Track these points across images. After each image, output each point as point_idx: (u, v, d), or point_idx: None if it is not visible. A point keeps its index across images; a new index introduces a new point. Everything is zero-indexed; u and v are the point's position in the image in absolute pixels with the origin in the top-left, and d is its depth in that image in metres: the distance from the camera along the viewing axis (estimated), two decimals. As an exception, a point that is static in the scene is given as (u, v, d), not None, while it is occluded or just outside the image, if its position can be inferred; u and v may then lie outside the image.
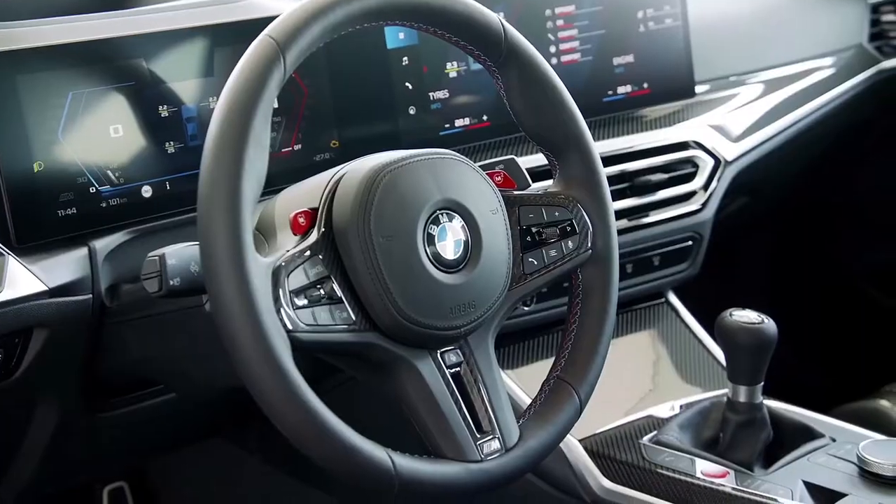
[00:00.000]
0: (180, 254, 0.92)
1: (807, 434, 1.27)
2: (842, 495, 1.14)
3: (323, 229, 0.94)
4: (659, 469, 1.22)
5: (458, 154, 1.00)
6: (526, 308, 1.35)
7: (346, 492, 1.44)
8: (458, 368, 1.00)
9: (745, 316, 1.22)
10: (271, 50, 0.89)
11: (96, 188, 1.09)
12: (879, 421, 1.47)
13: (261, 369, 0.85)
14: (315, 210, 0.95)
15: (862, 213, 2.11)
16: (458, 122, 1.35)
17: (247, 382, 0.86)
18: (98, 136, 1.09)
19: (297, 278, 0.90)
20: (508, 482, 1.00)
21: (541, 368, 1.09)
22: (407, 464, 0.91)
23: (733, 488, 1.17)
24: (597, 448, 1.27)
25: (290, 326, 0.88)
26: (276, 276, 0.88)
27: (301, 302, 0.90)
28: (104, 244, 1.09)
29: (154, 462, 1.62)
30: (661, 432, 1.28)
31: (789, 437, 1.26)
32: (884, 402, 1.52)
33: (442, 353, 0.99)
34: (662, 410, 1.35)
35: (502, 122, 1.33)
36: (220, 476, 1.51)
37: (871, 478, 1.16)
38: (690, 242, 1.52)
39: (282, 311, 0.88)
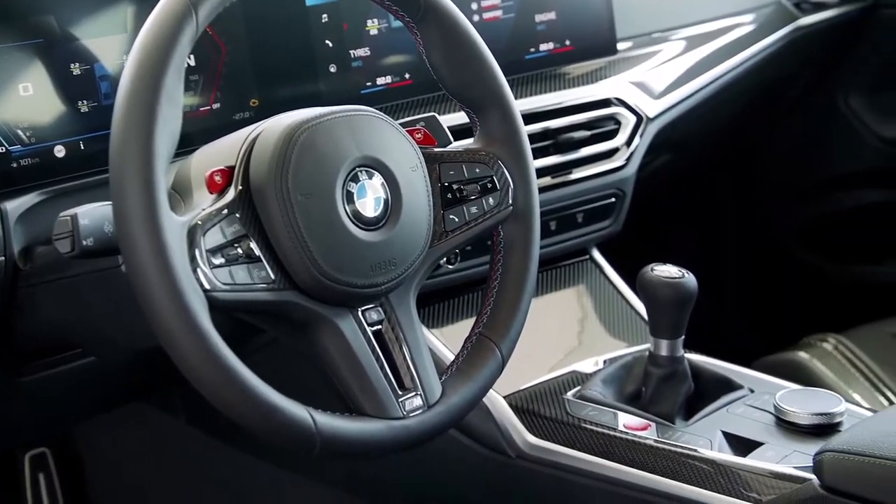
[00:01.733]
0: (93, 213, 0.91)
1: (726, 386, 1.29)
2: (759, 444, 1.16)
3: (240, 187, 0.93)
4: (582, 423, 1.24)
5: (376, 111, 1.00)
6: (450, 267, 1.35)
7: (273, 452, 1.44)
8: (379, 326, 1.00)
9: (665, 271, 1.23)
10: (182, 5, 0.88)
11: (6, 148, 1.06)
12: (798, 372, 1.50)
13: (178, 329, 0.84)
14: (232, 168, 0.94)
15: (783, 168, 2.15)
16: (380, 81, 1.34)
17: (164, 343, 0.85)
18: (7, 95, 1.06)
19: (214, 237, 0.89)
20: (430, 438, 1.00)
21: (464, 327, 1.09)
22: (328, 422, 0.91)
23: (655, 440, 1.19)
24: (521, 404, 1.28)
25: (206, 286, 0.87)
26: (192, 234, 0.87)
27: (218, 261, 0.89)
28: (16, 205, 1.06)
29: (77, 427, 1.60)
30: (585, 387, 1.29)
31: (710, 390, 1.28)
32: (802, 354, 1.56)
33: (363, 311, 0.99)
34: (586, 366, 1.36)
35: (424, 80, 1.32)
36: (145, 440, 1.50)
37: (787, 426, 1.18)
38: (613, 199, 1.53)
39: (198, 270, 0.87)
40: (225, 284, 0.88)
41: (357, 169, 0.96)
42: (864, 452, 1.01)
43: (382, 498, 1.39)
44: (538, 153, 1.39)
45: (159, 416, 1.47)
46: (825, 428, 1.15)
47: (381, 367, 0.98)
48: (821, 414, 1.16)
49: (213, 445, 1.45)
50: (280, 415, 0.88)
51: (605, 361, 1.36)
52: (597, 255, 1.55)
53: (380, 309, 1.00)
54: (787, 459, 1.12)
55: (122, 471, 1.52)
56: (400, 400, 0.98)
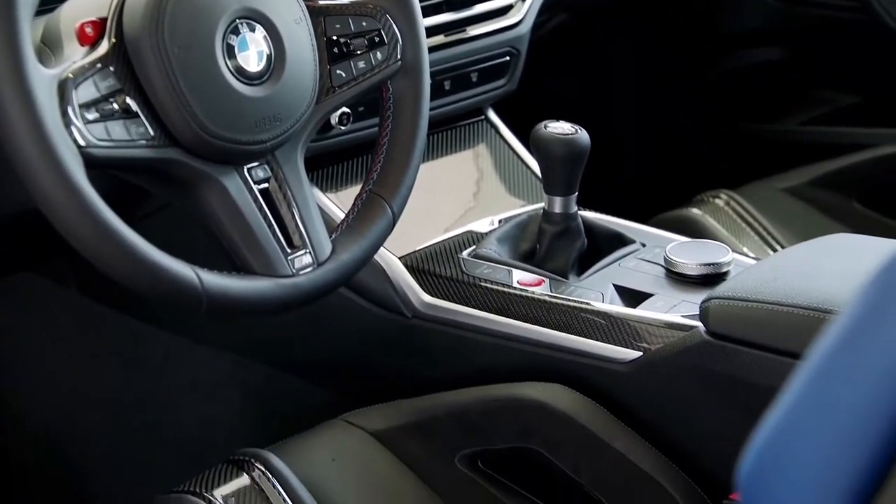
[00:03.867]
0: None
1: (619, 241, 1.30)
2: (649, 295, 1.18)
3: (113, 40, 0.89)
4: (477, 281, 1.24)
5: (257, -40, 0.96)
6: (342, 128, 1.32)
7: (168, 318, 1.43)
8: (266, 184, 0.98)
9: (558, 127, 1.23)
10: None
11: None
12: (689, 228, 1.53)
13: (52, 187, 0.81)
14: (104, 20, 0.90)
15: (681, 26, 2.14)
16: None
17: (39, 202, 0.82)
18: None
19: (87, 91, 0.86)
20: (321, 296, 1.00)
21: (357, 189, 1.09)
22: (214, 280, 0.90)
23: (548, 295, 1.20)
24: (416, 264, 1.28)
25: (81, 142, 0.84)
26: (63, 88, 0.84)
27: (92, 116, 0.85)
28: None
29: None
30: (480, 246, 1.30)
31: (602, 245, 1.30)
32: (695, 211, 1.58)
33: (248, 169, 0.97)
34: (481, 225, 1.36)
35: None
36: (32, 311, 1.47)
37: (676, 278, 1.20)
38: (508, 58, 1.51)
39: (71, 126, 0.84)
40: (101, 140, 0.85)
41: (237, 21, 0.93)
42: (748, 298, 1.03)
43: (280, 361, 1.39)
44: (430, 10, 1.36)
45: (47, 285, 1.45)
46: (713, 278, 1.18)
47: (269, 226, 0.97)
48: (709, 264, 1.18)
49: (105, 314, 1.43)
50: (164, 273, 0.87)
51: (500, 221, 1.37)
52: (492, 115, 1.54)
53: (266, 167, 0.98)
54: (676, 309, 1.15)
55: (9, 343, 1.49)
56: (289, 258, 0.97)
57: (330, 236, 1.02)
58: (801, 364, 0.46)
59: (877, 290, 0.42)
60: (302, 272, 0.97)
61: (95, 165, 0.85)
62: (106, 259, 0.85)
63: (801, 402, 0.45)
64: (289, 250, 0.97)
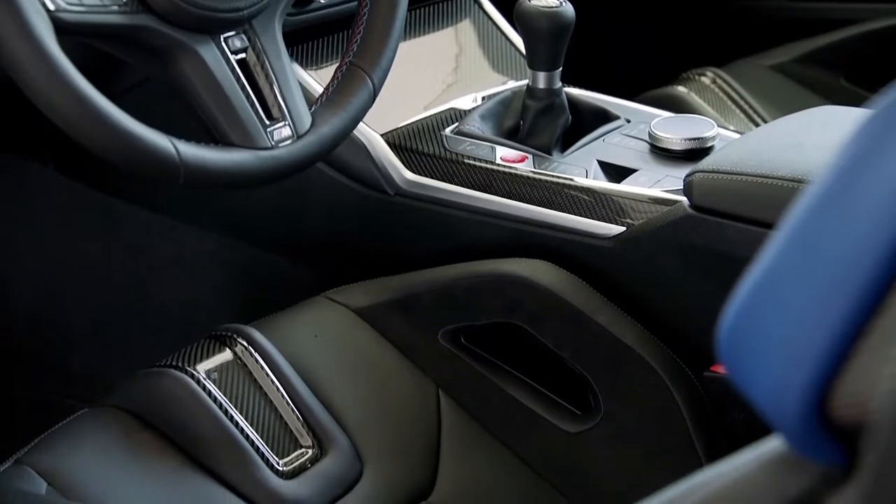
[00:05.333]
0: None
1: (603, 117, 1.29)
2: (633, 170, 1.17)
3: None
4: (460, 158, 1.23)
5: None
6: (322, 1, 1.30)
7: (148, 196, 1.41)
8: (243, 55, 0.96)
9: (542, 1, 1.20)
10: None
11: None
12: (675, 106, 1.51)
13: (21, 52, 0.79)
14: None
15: None
16: None
17: (8, 68, 0.80)
18: None
19: (55, -46, 0.83)
20: (301, 169, 0.99)
21: (337, 65, 1.06)
22: (192, 150, 0.89)
23: (531, 171, 1.19)
24: (399, 142, 1.27)
25: (50, 6, 0.82)
26: None
27: (61, -20, 0.83)
28: None
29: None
30: (463, 123, 1.28)
31: (587, 122, 1.28)
32: (680, 89, 1.57)
33: (225, 38, 0.95)
34: (465, 102, 1.34)
35: None
36: (9, 191, 1.45)
37: (660, 153, 1.19)
38: (491, -70, 1.48)
39: (39, -10, 0.81)
40: (71, 5, 0.83)
41: None
42: (732, 171, 1.02)
43: (262, 240, 1.38)
44: None
45: (25, 165, 1.43)
46: (697, 152, 1.17)
47: (247, 97, 0.95)
48: (693, 139, 1.17)
49: (84, 193, 1.42)
50: (140, 142, 0.85)
51: (483, 98, 1.35)
52: (475, -10, 1.51)
53: (243, 36, 0.96)
54: (660, 184, 1.14)
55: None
56: (268, 130, 0.96)
57: (309, 109, 1.00)
58: (786, 216, 0.45)
59: (879, 123, 0.41)
60: (281, 144, 0.96)
61: (66, 31, 0.82)
62: (80, 128, 0.83)
63: (787, 250, 0.44)
64: (268, 122, 0.96)
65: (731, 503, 0.46)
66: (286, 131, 0.97)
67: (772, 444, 0.46)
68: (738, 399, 1.00)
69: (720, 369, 1.04)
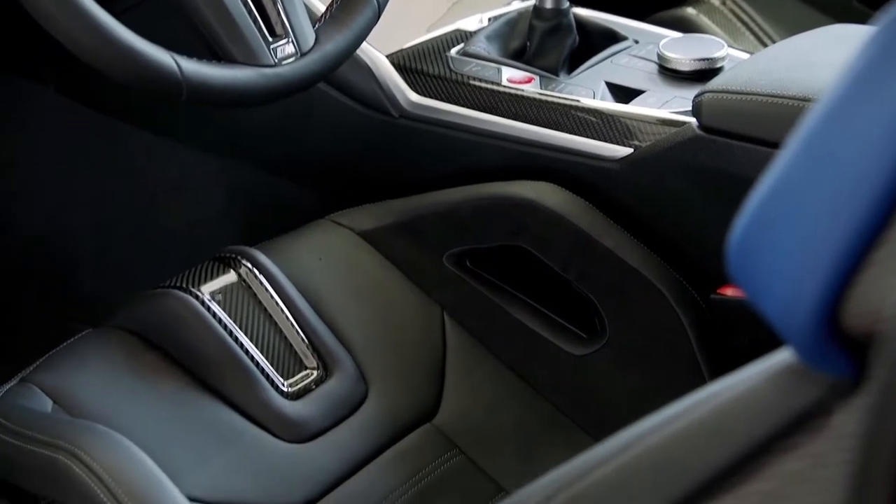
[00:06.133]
0: None
1: (611, 38, 1.27)
2: (641, 92, 1.16)
3: None
4: (466, 79, 1.22)
5: None
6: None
7: (149, 117, 1.40)
8: (245, -31, 0.94)
9: (550, -82, 1.18)
10: None
11: None
12: (684, 27, 1.49)
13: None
14: None
15: None
16: None
17: None
18: None
19: None
20: (304, 87, 0.97)
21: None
22: (194, 67, 0.88)
23: (538, 93, 1.18)
24: (403, 63, 1.25)
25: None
26: None
27: None
28: None
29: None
30: (469, 44, 1.26)
31: (594, 42, 1.26)
32: (690, 10, 1.54)
33: (227, -46, 0.93)
34: (470, 23, 1.32)
35: None
36: (11, 114, 1.44)
37: (669, 74, 1.17)
38: None
39: None
40: None
41: None
42: (741, 90, 1.01)
43: (266, 163, 1.37)
44: None
45: (26, 87, 1.41)
46: (706, 73, 1.15)
47: (250, 13, 0.93)
48: (702, 59, 1.15)
49: (86, 115, 1.40)
50: (142, 58, 0.84)
51: (489, 18, 1.33)
52: None
53: (245, -49, 0.94)
54: (668, 105, 1.12)
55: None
56: (271, 47, 0.94)
57: (313, 27, 0.99)
58: (798, 128, 0.44)
59: (891, 32, 0.40)
60: (285, 62, 0.95)
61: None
62: (82, 43, 0.82)
63: (798, 160, 0.43)
64: (270, 39, 0.94)
65: (738, 414, 0.45)
66: (289, 49, 0.95)
67: (781, 357, 0.45)
68: (744, 321, 1.00)
69: (727, 291, 1.04)
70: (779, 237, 0.43)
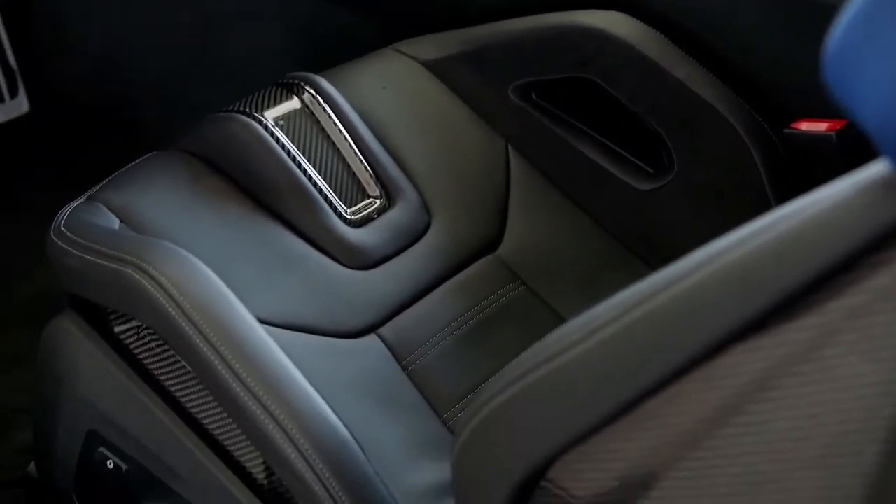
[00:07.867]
0: None
1: None
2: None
3: None
4: None
5: None
6: None
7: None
8: None
9: None
10: None
11: None
12: None
13: None
14: None
15: None
16: None
17: None
18: None
19: None
20: None
21: None
22: None
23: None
24: None
25: None
26: None
27: None
28: None
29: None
30: None
31: None
32: None
33: None
34: None
35: None
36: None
37: None
38: None
39: None
40: None
41: None
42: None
43: None
44: None
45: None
46: None
47: None
48: None
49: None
50: None
51: None
52: None
53: None
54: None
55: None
56: None
57: None
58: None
59: None
60: None
61: None
62: None
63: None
64: None
65: (824, 228, 0.44)
66: None
67: (872, 170, 0.44)
68: (817, 156, 0.97)
69: (801, 126, 1.01)
70: (882, 37, 0.41)
